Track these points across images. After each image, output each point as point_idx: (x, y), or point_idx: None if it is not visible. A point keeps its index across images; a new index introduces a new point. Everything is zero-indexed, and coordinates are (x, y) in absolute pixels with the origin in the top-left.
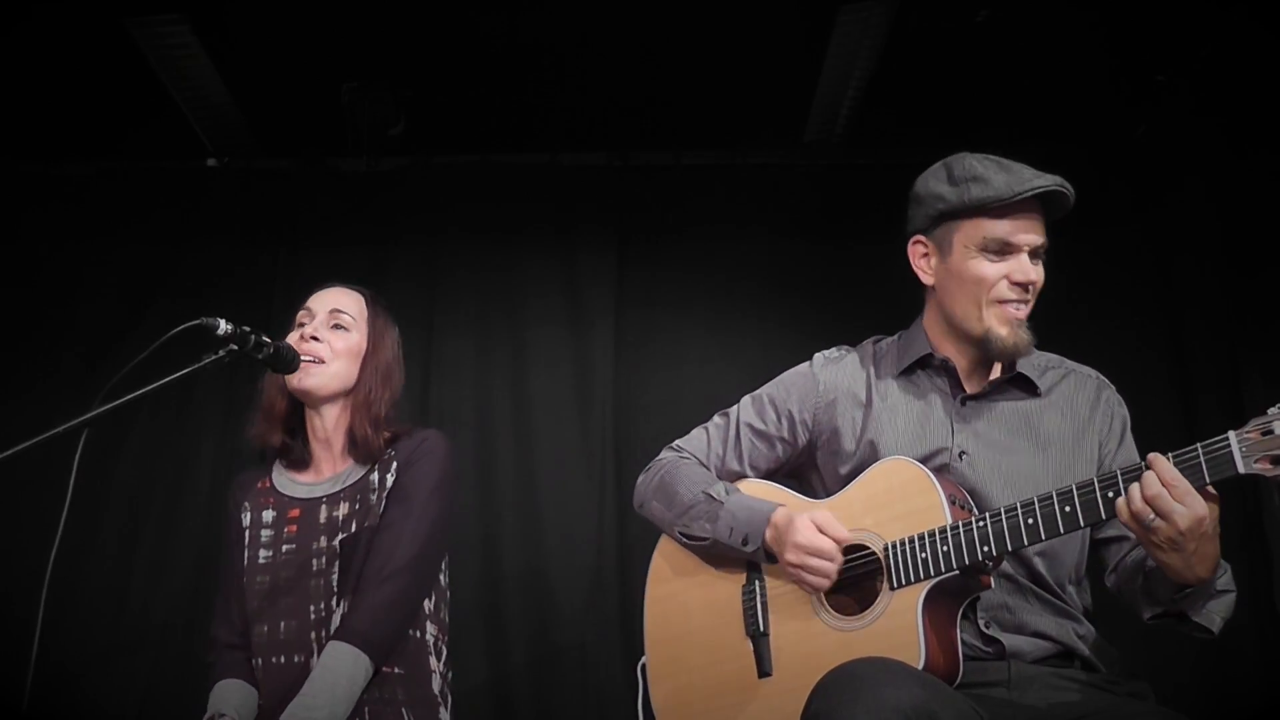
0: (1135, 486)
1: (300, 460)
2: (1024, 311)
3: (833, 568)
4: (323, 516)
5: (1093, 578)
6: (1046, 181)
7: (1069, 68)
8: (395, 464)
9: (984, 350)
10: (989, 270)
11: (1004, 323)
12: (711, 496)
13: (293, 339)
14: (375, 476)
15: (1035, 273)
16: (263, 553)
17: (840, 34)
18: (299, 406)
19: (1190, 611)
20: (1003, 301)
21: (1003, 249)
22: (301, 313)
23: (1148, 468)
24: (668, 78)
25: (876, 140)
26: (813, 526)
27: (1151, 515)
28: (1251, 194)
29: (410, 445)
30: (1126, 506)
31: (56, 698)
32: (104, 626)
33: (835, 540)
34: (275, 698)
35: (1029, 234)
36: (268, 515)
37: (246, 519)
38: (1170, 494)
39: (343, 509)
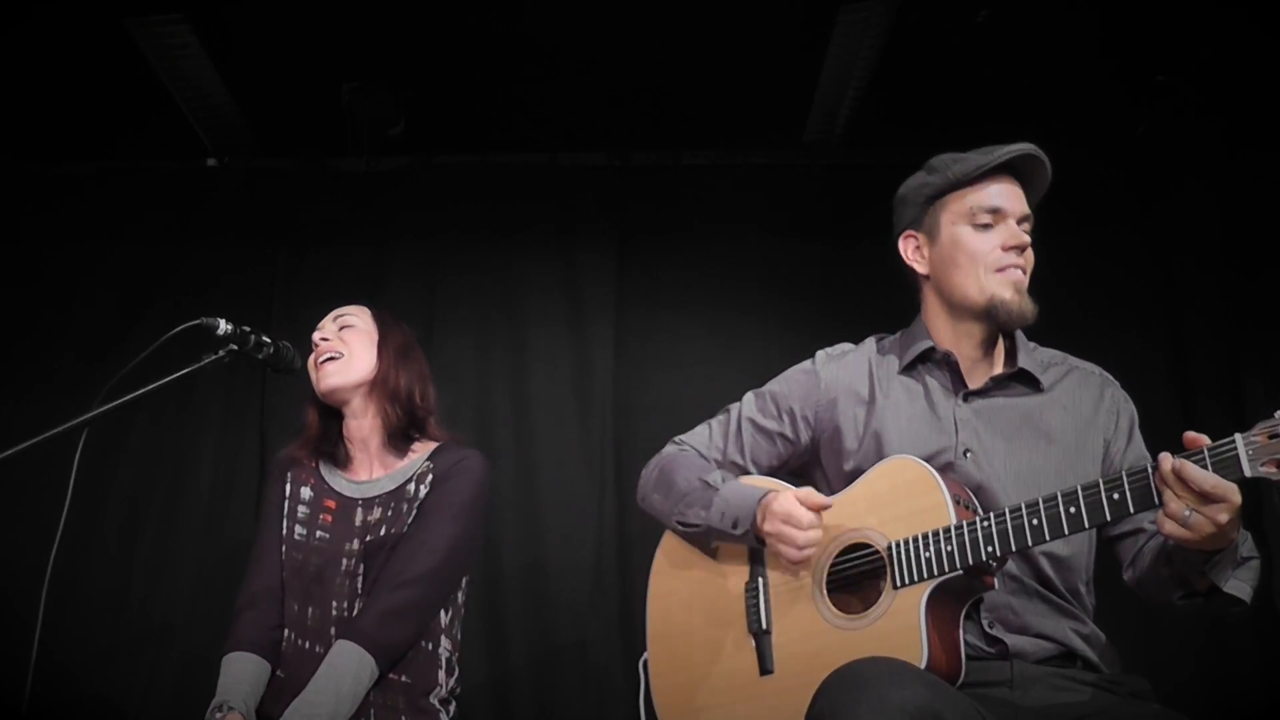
0: (1172, 499)
1: (343, 460)
2: (1023, 277)
3: (805, 536)
4: (358, 518)
5: (1097, 578)
6: (1021, 146)
7: (1069, 68)
8: (431, 477)
9: (991, 324)
10: (981, 241)
11: (1007, 286)
12: (707, 483)
13: (312, 359)
14: (411, 487)
15: (1026, 237)
16: (298, 529)
17: (840, 34)
18: (334, 421)
19: (1220, 582)
20: (1001, 268)
21: (992, 218)
22: (314, 335)
23: (1174, 474)
24: (668, 77)
25: (876, 140)
26: (793, 497)
27: (1187, 512)
28: (1252, 194)
29: (448, 461)
30: (1165, 513)
31: (56, 698)
32: (104, 626)
33: (814, 507)
34: (292, 675)
35: (1014, 199)
36: (305, 493)
37: (287, 489)
38: (1221, 507)
39: (376, 513)
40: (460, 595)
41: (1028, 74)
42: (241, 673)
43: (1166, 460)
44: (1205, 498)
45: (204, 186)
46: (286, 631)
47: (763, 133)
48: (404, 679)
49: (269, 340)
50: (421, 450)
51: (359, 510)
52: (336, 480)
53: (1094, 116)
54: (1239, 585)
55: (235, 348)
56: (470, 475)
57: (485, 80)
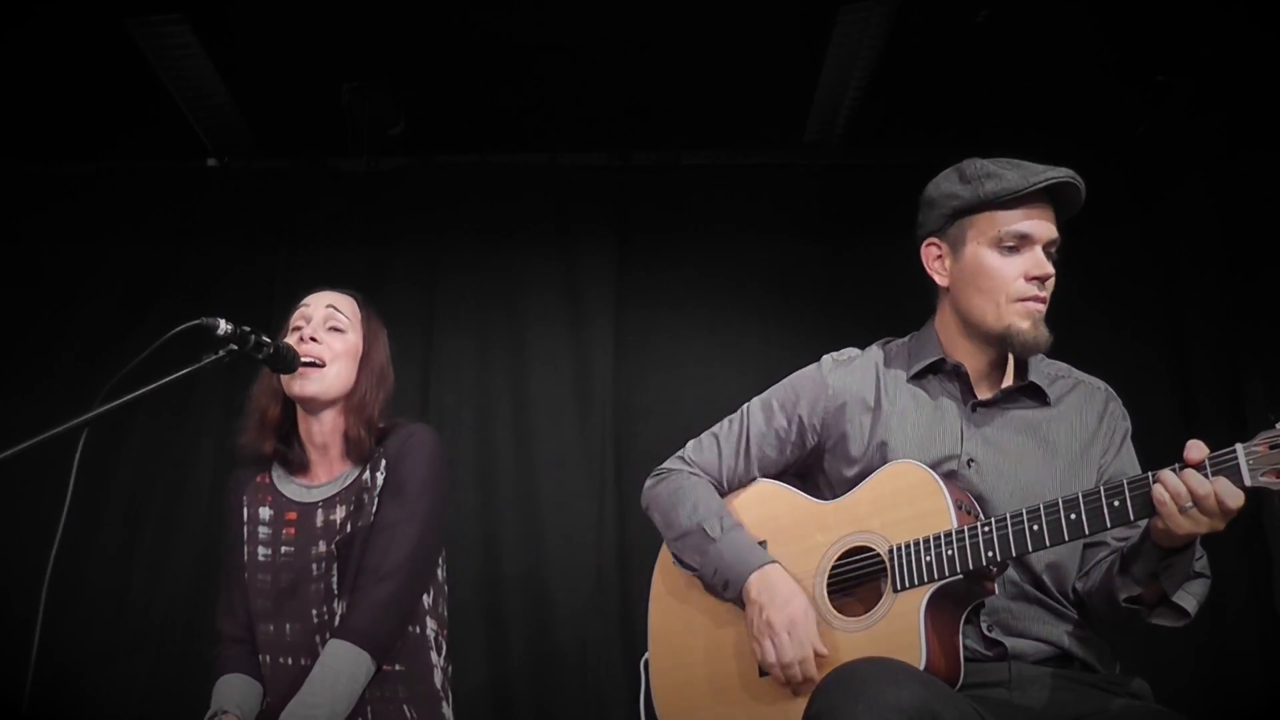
0: (1173, 478)
1: (297, 464)
2: (1043, 307)
3: (796, 674)
4: (320, 520)
5: None
6: (1059, 173)
7: (1069, 68)
8: (385, 461)
9: (1004, 347)
10: (1006, 266)
11: (1025, 317)
12: (705, 532)
13: (290, 341)
14: (368, 476)
15: (1050, 267)
16: (262, 550)
17: (840, 34)
18: (291, 412)
19: (1170, 591)
20: (1022, 299)
21: (1018, 243)
22: (296, 315)
23: (1197, 469)
24: (668, 78)
25: (876, 140)
26: (815, 635)
27: (1189, 504)
28: (1252, 193)
29: (398, 441)
30: (1164, 490)
31: (56, 698)
32: (104, 626)
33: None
34: (281, 696)
35: (1043, 227)
36: (265, 513)
37: (245, 514)
38: (1229, 503)
39: (340, 512)
40: (440, 573)
41: (1028, 74)
42: (232, 689)
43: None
44: (1198, 503)
45: (204, 186)
46: (264, 656)
47: (763, 133)
48: (398, 667)
49: (269, 340)
50: None
51: (320, 512)
52: (292, 489)
53: (1094, 116)
54: (1186, 598)
55: (235, 348)
56: (423, 449)
57: (485, 80)
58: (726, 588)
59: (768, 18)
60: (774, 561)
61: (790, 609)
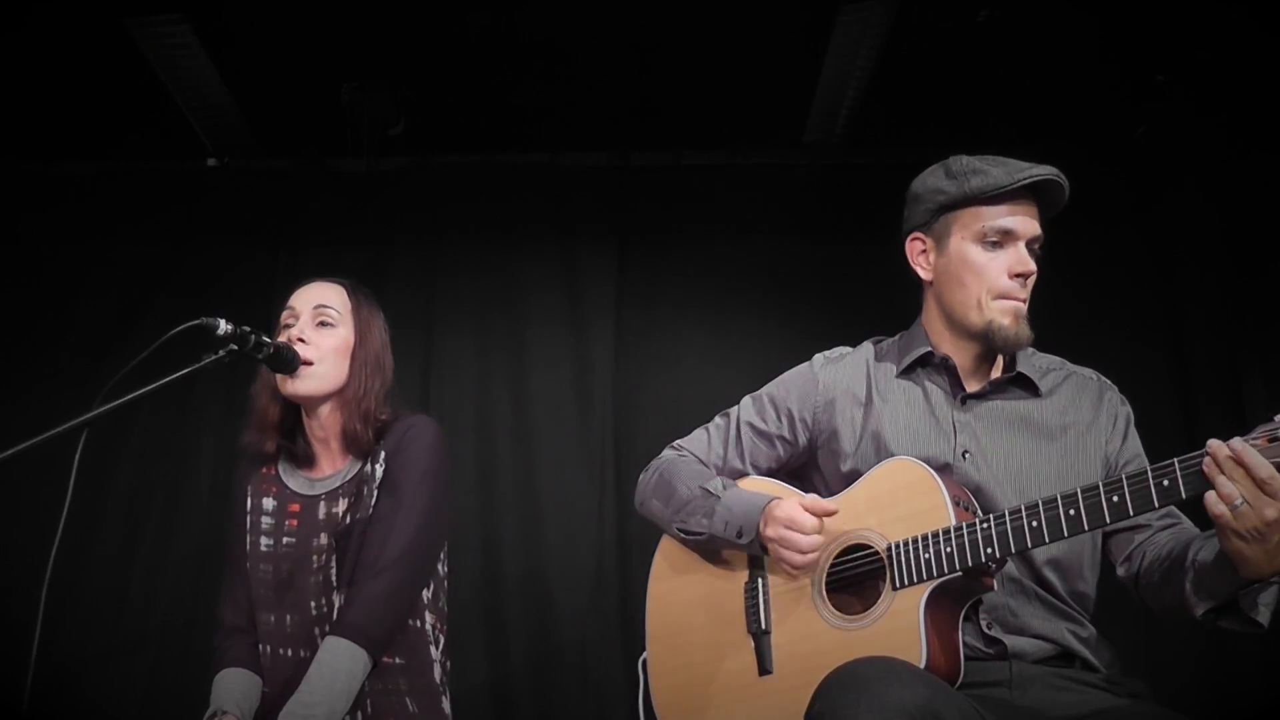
0: (1224, 481)
1: (303, 458)
2: (1024, 305)
3: (808, 541)
4: (322, 513)
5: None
6: (1044, 170)
7: (1069, 68)
8: (384, 454)
9: (985, 343)
10: (989, 262)
11: (1006, 313)
12: (708, 491)
13: (281, 340)
14: (368, 469)
15: (1033, 264)
16: (264, 540)
17: (840, 34)
18: (294, 409)
19: (1245, 605)
20: (1004, 296)
21: (1002, 238)
22: (285, 313)
23: (1234, 458)
24: (668, 78)
25: (876, 140)
26: (797, 503)
27: (1239, 500)
28: (1252, 194)
29: (397, 433)
30: (1217, 494)
31: (56, 698)
32: (104, 626)
33: (819, 513)
34: (280, 687)
35: (1027, 224)
36: (268, 503)
37: (249, 504)
38: (1273, 503)
39: (341, 504)
40: (442, 567)
41: (1028, 74)
42: (232, 685)
43: (1221, 447)
44: (1260, 486)
45: (204, 186)
46: (263, 647)
47: (763, 133)
48: (398, 660)
49: (269, 340)
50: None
51: (322, 504)
52: (297, 481)
53: (1094, 116)
54: (1263, 611)
55: (235, 348)
56: (423, 441)
57: (485, 80)
58: (741, 534)
59: (768, 18)
60: (776, 498)
61: (779, 522)
